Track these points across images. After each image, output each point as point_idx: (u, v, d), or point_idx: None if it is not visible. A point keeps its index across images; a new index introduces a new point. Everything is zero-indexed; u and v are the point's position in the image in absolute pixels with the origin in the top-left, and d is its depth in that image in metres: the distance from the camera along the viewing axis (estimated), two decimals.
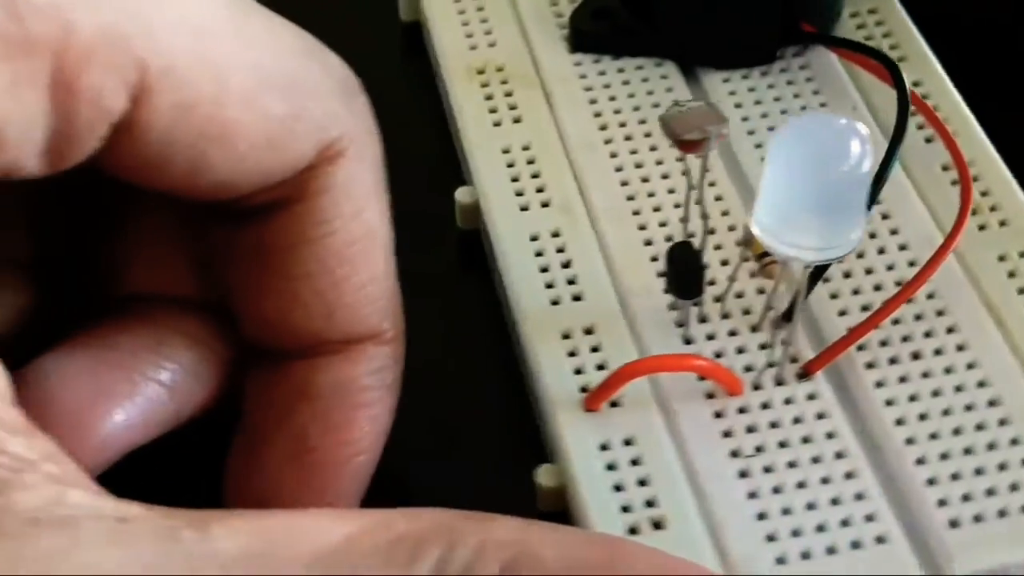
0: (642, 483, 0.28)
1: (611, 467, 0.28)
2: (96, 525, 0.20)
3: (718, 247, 0.32)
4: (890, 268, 0.32)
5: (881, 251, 0.32)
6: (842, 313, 0.31)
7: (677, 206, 0.34)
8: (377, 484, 0.30)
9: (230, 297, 0.27)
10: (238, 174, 0.24)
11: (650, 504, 0.28)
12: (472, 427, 0.32)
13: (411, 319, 0.30)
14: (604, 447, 0.29)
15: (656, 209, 0.34)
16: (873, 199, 0.30)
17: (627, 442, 0.29)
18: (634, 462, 0.28)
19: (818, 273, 0.30)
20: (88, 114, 0.22)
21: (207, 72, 0.23)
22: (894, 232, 0.33)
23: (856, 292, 0.32)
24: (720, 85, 0.37)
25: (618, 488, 0.28)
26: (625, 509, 0.28)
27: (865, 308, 0.31)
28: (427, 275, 0.34)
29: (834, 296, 0.32)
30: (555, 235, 0.33)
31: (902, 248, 0.32)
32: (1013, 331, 0.31)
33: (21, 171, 0.22)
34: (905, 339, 0.31)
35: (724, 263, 0.32)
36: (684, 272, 0.29)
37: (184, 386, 0.26)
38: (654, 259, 0.32)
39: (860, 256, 0.32)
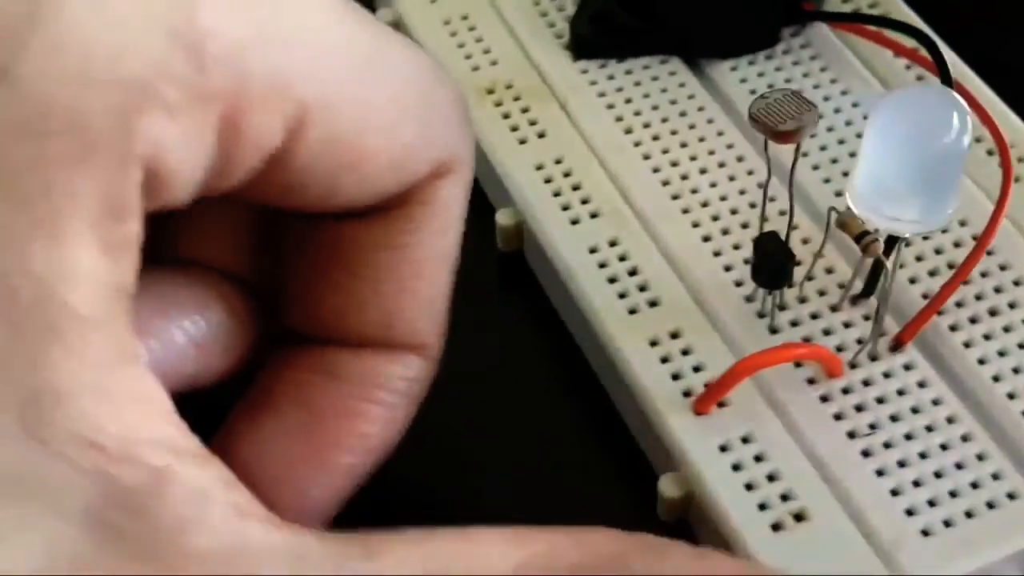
0: (771, 478, 0.28)
1: (737, 467, 0.28)
2: (276, 565, 0.20)
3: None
4: (944, 231, 0.33)
5: None
6: (912, 281, 0.32)
7: (723, 199, 0.34)
8: (477, 505, 0.29)
9: (286, 282, 0.26)
10: (361, 194, 0.24)
11: (785, 498, 0.28)
12: (555, 445, 0.31)
13: (465, 342, 0.30)
14: (724, 448, 0.29)
15: (704, 204, 0.34)
16: None
17: (744, 440, 0.29)
18: (758, 459, 0.28)
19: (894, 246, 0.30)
20: (247, 151, 0.22)
21: (355, 107, 0.23)
22: None
23: (919, 259, 0.32)
24: (728, 74, 0.37)
25: (749, 487, 0.28)
26: (762, 507, 0.28)
27: (932, 274, 0.32)
28: (473, 298, 0.34)
29: (901, 266, 0.32)
30: (613, 244, 0.33)
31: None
32: None
33: (173, 205, 0.22)
34: (979, 298, 0.31)
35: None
36: (774, 262, 0.29)
37: (211, 348, 0.25)
38: (716, 254, 0.33)
39: None
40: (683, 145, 0.35)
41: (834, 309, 0.31)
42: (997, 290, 0.32)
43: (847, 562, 0.27)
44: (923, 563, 0.27)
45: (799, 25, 0.38)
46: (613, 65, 0.38)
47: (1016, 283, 0.32)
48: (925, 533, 0.27)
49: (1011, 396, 0.29)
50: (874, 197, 0.27)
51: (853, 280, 0.31)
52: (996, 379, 0.30)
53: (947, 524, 0.27)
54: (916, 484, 0.28)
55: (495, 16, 0.39)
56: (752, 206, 0.33)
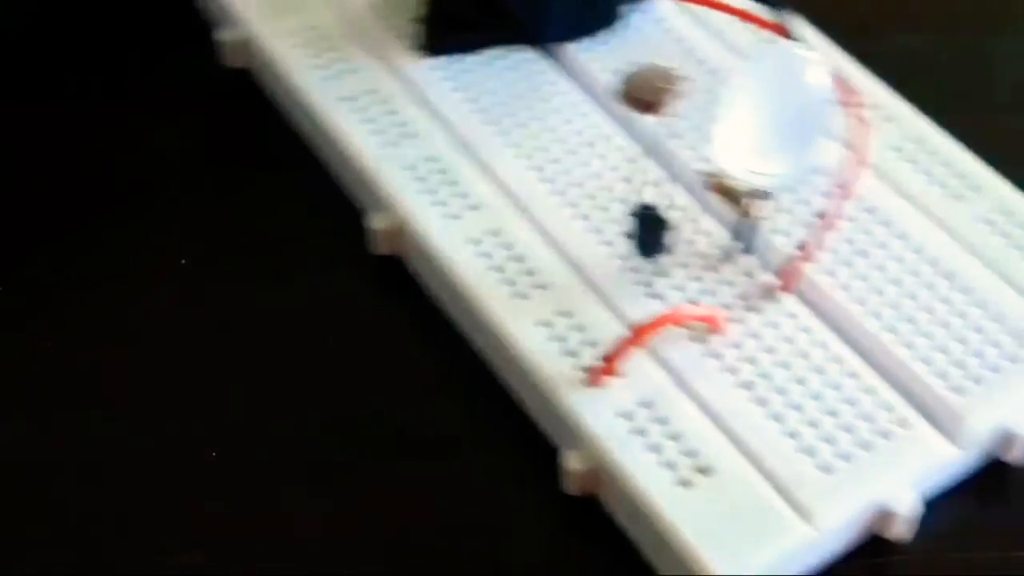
0: (673, 438, 0.29)
1: (638, 433, 0.29)
2: None
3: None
4: (811, 184, 0.34)
5: None
6: (786, 235, 0.33)
7: (596, 178, 0.35)
8: (391, 496, 0.30)
9: None
10: None
11: (689, 455, 0.29)
12: (457, 438, 0.32)
13: (351, 348, 0.30)
14: (624, 416, 0.29)
15: (578, 185, 0.34)
16: None
17: (643, 405, 0.30)
18: (658, 422, 0.29)
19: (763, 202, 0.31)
20: None
21: None
22: None
23: (789, 213, 0.33)
24: (581, 56, 0.38)
25: (654, 450, 0.29)
26: (669, 467, 0.28)
27: (804, 225, 0.33)
28: (354, 305, 0.34)
29: (774, 221, 0.33)
30: (494, 235, 0.33)
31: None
32: (934, 208, 0.33)
33: None
34: (849, 243, 0.33)
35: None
36: (650, 232, 0.30)
37: None
38: (595, 231, 0.33)
39: None
40: (548, 130, 0.36)
41: (714, 270, 0.32)
42: (865, 233, 0.33)
43: (752, 507, 0.27)
44: (822, 496, 0.28)
45: (638, 2, 0.39)
46: (468, 60, 0.38)
47: (883, 224, 0.33)
48: (822, 469, 0.28)
49: (888, 330, 0.31)
50: (739, 155, 0.28)
51: (729, 239, 0.32)
52: (873, 316, 0.31)
53: (845, 458, 0.28)
54: (810, 425, 0.29)
55: (345, 26, 0.39)
56: (625, 181, 0.34)
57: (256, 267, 0.35)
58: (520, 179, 0.35)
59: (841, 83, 0.34)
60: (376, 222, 0.35)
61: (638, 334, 0.29)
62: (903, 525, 0.28)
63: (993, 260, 0.32)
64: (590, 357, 0.30)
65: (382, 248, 0.35)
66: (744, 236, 0.31)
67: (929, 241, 0.32)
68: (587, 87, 0.37)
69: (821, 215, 0.32)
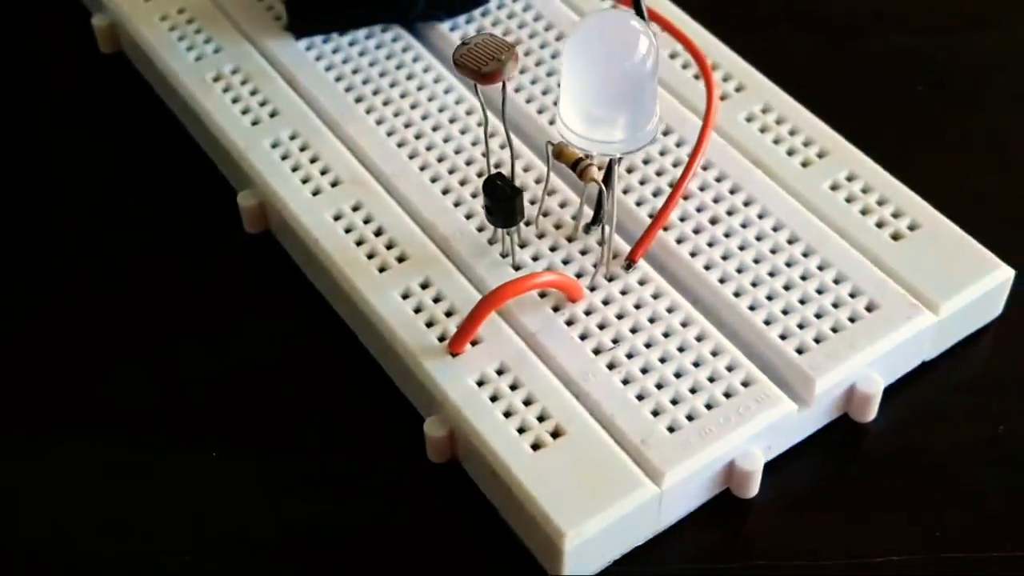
0: (527, 403, 0.30)
1: (494, 398, 0.30)
2: None
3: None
4: (663, 154, 0.35)
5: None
6: (639, 203, 0.34)
7: (458, 152, 0.35)
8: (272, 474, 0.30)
9: None
10: None
11: (542, 419, 0.29)
12: (326, 407, 0.32)
13: (226, 324, 0.30)
14: (481, 383, 0.30)
15: (440, 159, 0.35)
16: None
17: (499, 372, 0.30)
18: (513, 387, 0.30)
19: (611, 171, 0.32)
20: None
21: None
22: None
23: (643, 183, 0.34)
24: (448, 35, 0.39)
25: (507, 414, 0.29)
26: (521, 430, 0.29)
27: (656, 194, 0.34)
28: (226, 281, 0.34)
29: (626, 191, 0.34)
30: (356, 209, 0.34)
31: (666, 134, 0.35)
32: (783, 176, 0.34)
33: None
34: (699, 210, 0.34)
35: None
36: (503, 201, 0.31)
37: None
38: (457, 204, 0.34)
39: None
40: (413, 106, 0.36)
41: (570, 240, 0.33)
42: (716, 200, 0.34)
43: (601, 468, 0.28)
44: (670, 455, 0.29)
45: None
46: (336, 39, 0.38)
47: (732, 191, 0.34)
48: (671, 429, 0.29)
49: (736, 294, 0.32)
50: (580, 123, 0.29)
51: (581, 209, 0.33)
52: (722, 281, 0.32)
53: (689, 418, 0.29)
54: (659, 387, 0.30)
55: (211, 6, 0.40)
56: (483, 156, 0.35)
57: (130, 248, 0.36)
58: (384, 154, 0.35)
59: (692, 50, 0.35)
60: (243, 199, 0.35)
61: (492, 299, 0.30)
62: (751, 483, 0.29)
63: (839, 225, 0.33)
64: (451, 326, 0.31)
65: (252, 226, 0.36)
66: (595, 204, 0.32)
67: (777, 206, 0.33)
68: (451, 64, 0.38)
69: (672, 184, 0.33)
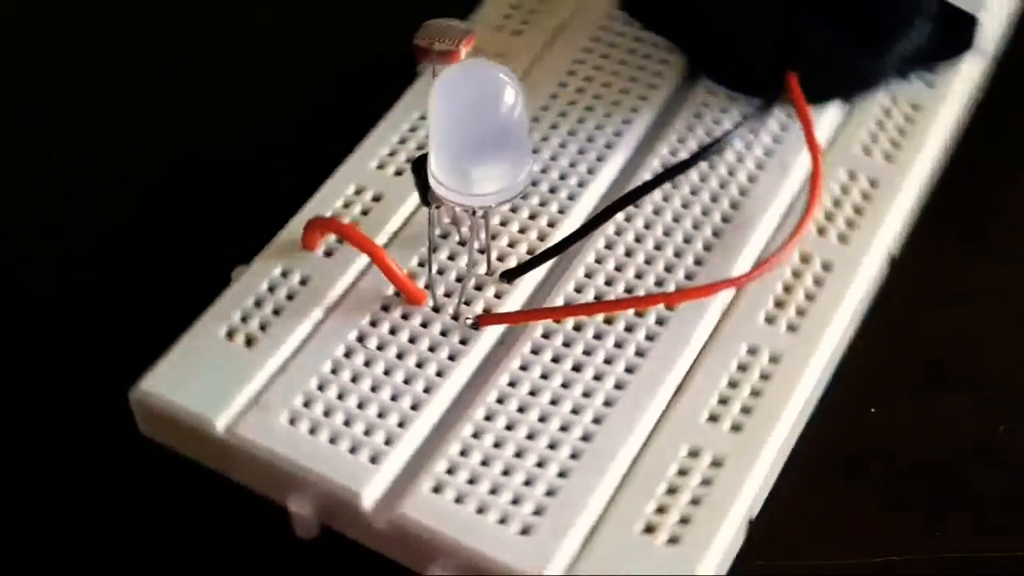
0: None
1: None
2: None
3: None
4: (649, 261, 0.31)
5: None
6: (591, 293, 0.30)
7: None
8: None
9: None
10: None
11: None
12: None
13: None
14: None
15: None
16: None
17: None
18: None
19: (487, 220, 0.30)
20: None
21: None
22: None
23: (609, 284, 0.30)
24: None
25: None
26: None
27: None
28: None
29: (589, 275, 0.30)
30: None
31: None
32: None
33: None
34: (567, 344, 0.29)
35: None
36: None
37: None
38: None
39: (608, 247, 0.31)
40: None
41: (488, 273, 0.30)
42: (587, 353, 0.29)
43: None
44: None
45: None
46: None
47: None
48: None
49: (488, 417, 0.28)
50: (452, 179, 0.27)
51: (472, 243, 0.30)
52: (499, 401, 0.28)
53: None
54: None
55: None
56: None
57: None
58: None
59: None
60: None
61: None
62: None
63: None
64: None
65: None
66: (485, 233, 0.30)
67: None
68: None
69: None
